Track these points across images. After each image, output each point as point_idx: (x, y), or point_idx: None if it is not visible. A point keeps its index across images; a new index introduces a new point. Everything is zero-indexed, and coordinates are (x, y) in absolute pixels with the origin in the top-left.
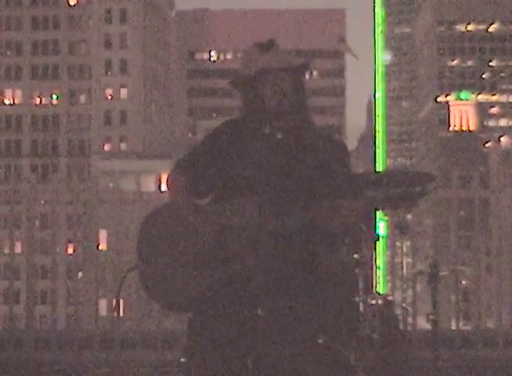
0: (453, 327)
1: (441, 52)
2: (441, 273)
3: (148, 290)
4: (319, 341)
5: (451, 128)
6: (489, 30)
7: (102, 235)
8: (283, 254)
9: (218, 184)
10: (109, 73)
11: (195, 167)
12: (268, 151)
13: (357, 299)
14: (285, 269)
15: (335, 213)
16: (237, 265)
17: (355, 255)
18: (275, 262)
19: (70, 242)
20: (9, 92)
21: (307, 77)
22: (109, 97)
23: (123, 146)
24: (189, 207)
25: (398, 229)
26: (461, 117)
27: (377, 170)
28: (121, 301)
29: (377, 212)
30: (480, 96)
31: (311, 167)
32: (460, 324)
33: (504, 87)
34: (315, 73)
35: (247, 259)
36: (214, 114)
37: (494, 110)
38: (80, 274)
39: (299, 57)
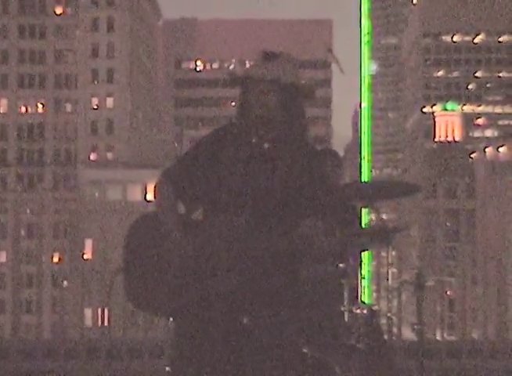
0: (438, 338)
1: (428, 62)
2: (427, 284)
3: (130, 297)
4: (304, 350)
5: (437, 139)
6: (475, 41)
7: (88, 244)
8: (268, 263)
9: (206, 194)
10: (95, 82)
11: (183, 176)
12: (254, 161)
13: (342, 309)
14: (270, 279)
15: (316, 238)
16: (222, 277)
17: (341, 265)
18: (260, 271)
19: (55, 251)
20: None
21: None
22: (96, 106)
23: (109, 155)
24: (174, 221)
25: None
26: (447, 128)
27: (363, 180)
28: (106, 311)
29: (363, 221)
30: (465, 107)
31: (297, 178)
32: (445, 334)
33: (490, 98)
34: None
35: (232, 269)
36: (201, 124)
37: (479, 121)
38: (65, 283)
39: (298, 77)
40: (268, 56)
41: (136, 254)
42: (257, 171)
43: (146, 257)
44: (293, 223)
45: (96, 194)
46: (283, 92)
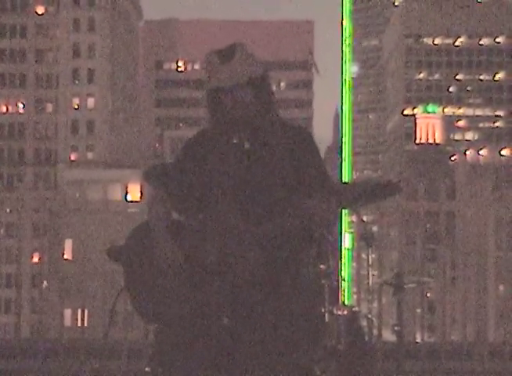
0: (418, 339)
1: (409, 65)
2: (407, 285)
3: (138, 311)
4: (284, 351)
5: (417, 141)
6: (456, 43)
7: (68, 244)
8: (252, 264)
9: (194, 195)
10: (76, 82)
11: (171, 178)
12: (238, 161)
13: (323, 310)
14: (251, 280)
15: (308, 215)
16: (205, 277)
17: (322, 266)
18: (242, 272)
19: (35, 251)
20: None
21: (272, 84)
22: (77, 106)
23: (90, 155)
24: (162, 228)
25: (364, 240)
26: (427, 130)
27: (344, 181)
28: (86, 311)
29: (342, 225)
30: (446, 110)
31: (280, 174)
32: (425, 336)
33: (470, 100)
34: (282, 84)
35: (214, 272)
36: (182, 124)
37: (460, 124)
38: (45, 283)
39: (261, 65)
40: (225, 58)
41: (134, 266)
42: (242, 170)
43: (142, 267)
44: (285, 215)
45: (77, 194)
46: (253, 88)
